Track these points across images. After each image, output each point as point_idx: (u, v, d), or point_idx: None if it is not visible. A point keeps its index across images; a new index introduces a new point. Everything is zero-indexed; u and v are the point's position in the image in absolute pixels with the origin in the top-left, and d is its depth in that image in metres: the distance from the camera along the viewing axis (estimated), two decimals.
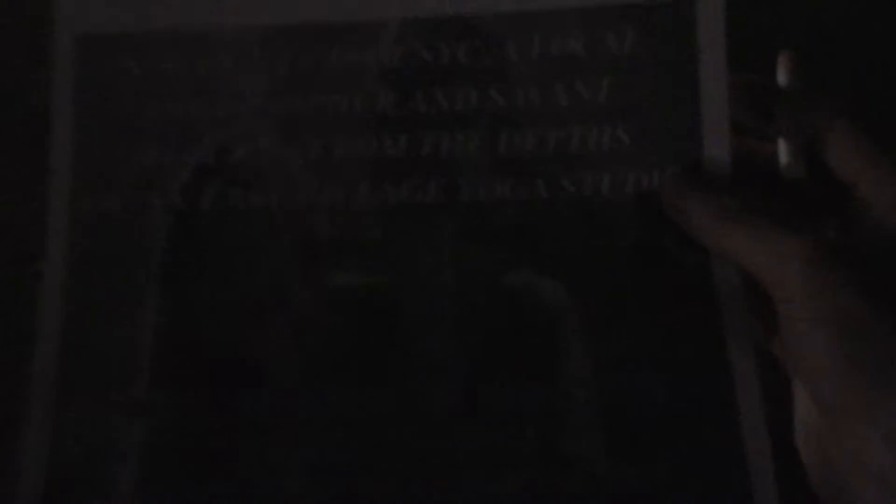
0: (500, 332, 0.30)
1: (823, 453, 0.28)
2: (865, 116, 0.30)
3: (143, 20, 0.32)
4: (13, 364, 0.31)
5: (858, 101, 0.33)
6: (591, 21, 0.31)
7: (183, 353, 0.30)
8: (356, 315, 0.30)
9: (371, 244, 0.31)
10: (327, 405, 0.30)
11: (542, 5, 0.31)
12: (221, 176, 0.32)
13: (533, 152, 0.31)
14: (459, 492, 0.29)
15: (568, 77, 0.31)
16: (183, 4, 0.32)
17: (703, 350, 0.29)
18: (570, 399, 0.29)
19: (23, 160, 0.33)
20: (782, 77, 0.32)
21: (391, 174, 0.31)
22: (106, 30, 0.32)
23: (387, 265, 0.31)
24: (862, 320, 0.27)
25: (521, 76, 0.31)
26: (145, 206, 0.31)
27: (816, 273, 0.27)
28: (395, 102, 0.32)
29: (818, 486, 0.29)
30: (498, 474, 0.29)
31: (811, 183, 0.31)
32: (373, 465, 0.29)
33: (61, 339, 0.31)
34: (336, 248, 0.31)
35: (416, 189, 0.31)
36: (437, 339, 0.30)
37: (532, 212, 0.31)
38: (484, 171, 0.31)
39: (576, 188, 0.31)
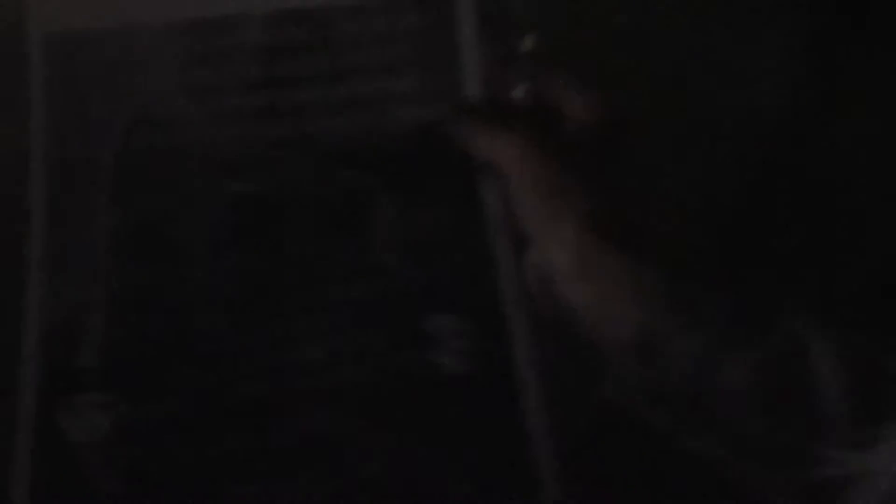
0: (335, 208, 0.46)
1: (538, 275, 0.45)
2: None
3: (95, 20, 0.48)
4: (14, 251, 0.46)
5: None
6: (387, 6, 0.48)
7: (129, 237, 0.46)
8: (245, 209, 0.47)
9: (252, 164, 0.47)
10: (228, 265, 0.46)
11: None
12: (149, 125, 0.47)
13: (354, 97, 0.47)
14: (317, 296, 0.46)
15: (373, 45, 0.48)
16: (123, 7, 0.48)
17: (466, 206, 0.47)
18: (381, 231, 0.46)
19: (9, 119, 0.48)
20: (524, 45, 0.49)
21: (262, 117, 0.47)
22: (66, 28, 0.48)
23: (262, 176, 0.47)
24: (555, 183, 0.43)
25: (343, 47, 0.48)
26: (98, 147, 0.47)
27: (532, 154, 0.44)
28: (262, 69, 0.48)
29: (537, 294, 0.46)
30: (337, 283, 0.46)
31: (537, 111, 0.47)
32: (256, 296, 0.46)
33: (46, 234, 0.46)
34: (230, 167, 0.47)
35: (278, 126, 0.47)
36: (295, 216, 0.46)
37: (356, 136, 0.47)
38: (321, 111, 0.47)
39: (381, 120, 0.47)
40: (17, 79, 0.48)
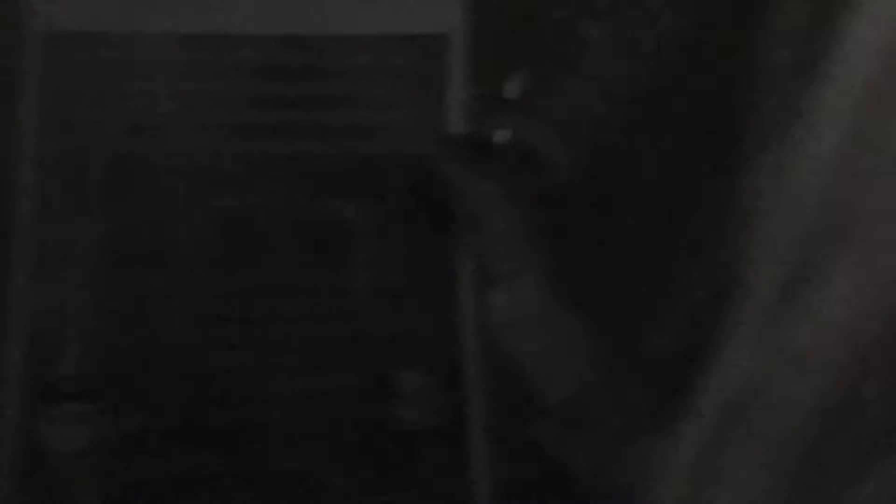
0: (316, 235, 0.48)
1: (500, 313, 0.48)
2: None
3: (96, 23, 0.48)
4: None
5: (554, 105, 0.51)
6: (379, 43, 0.49)
7: (114, 244, 0.48)
8: (228, 223, 0.48)
9: (237, 179, 0.49)
10: (207, 282, 0.48)
11: (348, 31, 0.49)
12: (140, 131, 0.49)
13: (341, 124, 0.49)
14: (291, 329, 0.48)
15: (364, 79, 0.49)
16: (124, 14, 0.49)
17: (439, 243, 0.49)
18: (356, 268, 0.48)
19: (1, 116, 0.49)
20: (508, 90, 0.51)
21: (250, 135, 0.49)
22: (64, 28, 0.48)
23: (246, 193, 0.49)
24: (524, 230, 0.46)
25: (334, 75, 0.49)
26: (91, 148, 0.48)
27: (506, 197, 0.46)
28: (254, 88, 0.49)
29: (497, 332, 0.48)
30: (312, 319, 0.48)
31: (515, 155, 0.49)
32: (232, 318, 0.48)
33: (33, 237, 0.47)
34: (214, 181, 0.49)
35: (266, 144, 0.49)
36: (275, 239, 0.48)
37: (340, 163, 0.49)
38: (310, 133, 0.49)
39: (368, 149, 0.49)
40: (11, 76, 0.49)
